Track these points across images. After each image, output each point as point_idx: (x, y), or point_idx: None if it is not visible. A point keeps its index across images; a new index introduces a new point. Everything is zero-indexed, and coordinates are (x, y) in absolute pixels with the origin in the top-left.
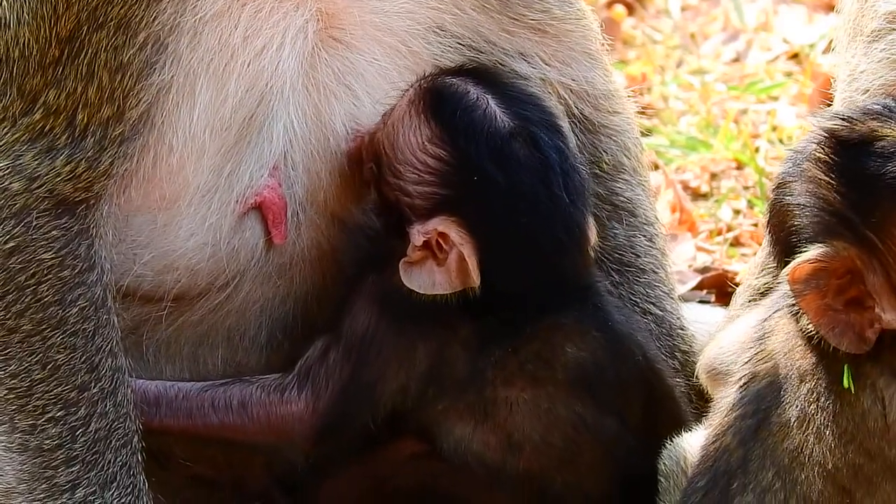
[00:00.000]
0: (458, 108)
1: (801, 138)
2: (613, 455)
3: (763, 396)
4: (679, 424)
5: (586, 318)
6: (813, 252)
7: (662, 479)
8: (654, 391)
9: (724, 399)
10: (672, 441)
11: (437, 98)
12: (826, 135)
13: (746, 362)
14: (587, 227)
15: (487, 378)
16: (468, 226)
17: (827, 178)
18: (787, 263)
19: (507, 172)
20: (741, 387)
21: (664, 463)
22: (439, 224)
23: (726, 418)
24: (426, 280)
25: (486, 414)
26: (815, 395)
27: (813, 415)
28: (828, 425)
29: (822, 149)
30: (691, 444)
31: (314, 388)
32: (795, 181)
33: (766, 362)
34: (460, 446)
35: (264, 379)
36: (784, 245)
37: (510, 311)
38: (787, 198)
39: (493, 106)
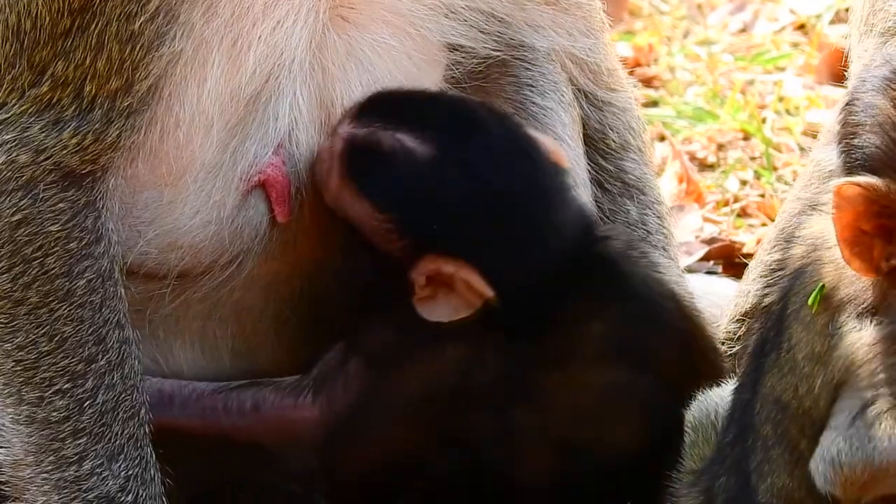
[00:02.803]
0: (378, 175)
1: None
2: (649, 411)
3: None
4: (719, 374)
5: (607, 291)
6: (865, 179)
7: (690, 432)
8: (693, 343)
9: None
10: (703, 394)
11: (356, 170)
12: None
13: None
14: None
15: (521, 375)
16: (450, 252)
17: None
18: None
19: (450, 197)
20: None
21: (693, 415)
22: (429, 264)
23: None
24: (445, 310)
25: (521, 404)
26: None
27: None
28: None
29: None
30: (723, 397)
31: (329, 396)
32: (867, 101)
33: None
34: (496, 434)
35: (279, 382)
36: (848, 158)
37: (530, 306)
38: (853, 116)
39: (407, 146)
